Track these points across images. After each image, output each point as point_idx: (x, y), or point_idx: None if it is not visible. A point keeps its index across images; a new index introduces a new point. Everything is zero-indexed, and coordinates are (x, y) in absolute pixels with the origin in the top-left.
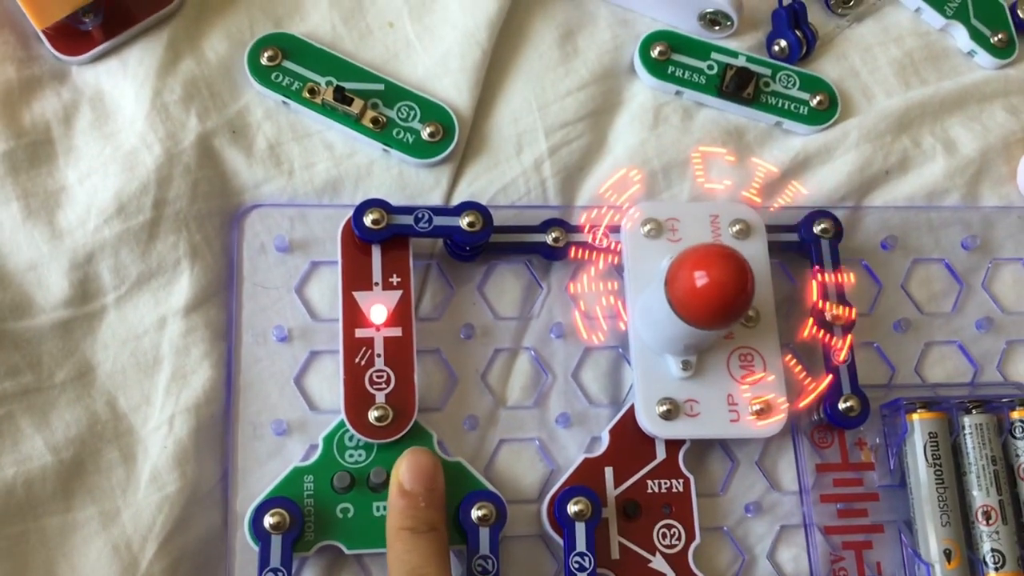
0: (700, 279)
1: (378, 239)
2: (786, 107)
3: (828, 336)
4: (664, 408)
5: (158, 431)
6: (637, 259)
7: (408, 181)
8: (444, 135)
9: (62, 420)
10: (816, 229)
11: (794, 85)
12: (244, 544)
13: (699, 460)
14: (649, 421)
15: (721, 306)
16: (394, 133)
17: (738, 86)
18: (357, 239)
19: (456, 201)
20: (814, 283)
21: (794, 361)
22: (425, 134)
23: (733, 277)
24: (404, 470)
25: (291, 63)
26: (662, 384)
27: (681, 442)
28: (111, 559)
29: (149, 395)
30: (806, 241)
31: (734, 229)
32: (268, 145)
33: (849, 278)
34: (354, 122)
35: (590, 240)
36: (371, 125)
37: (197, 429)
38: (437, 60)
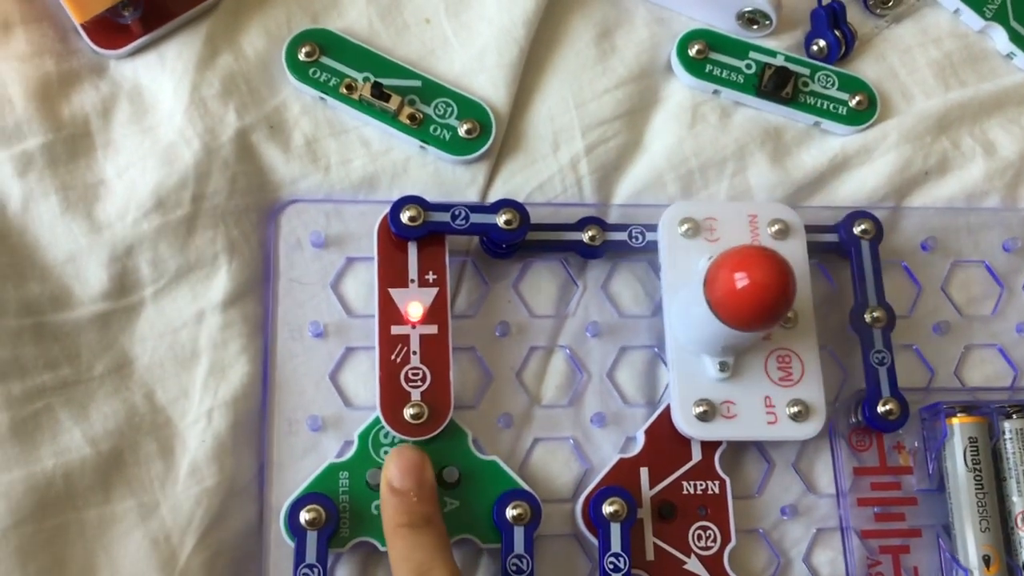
0: (740, 280)
1: (414, 236)
2: (825, 107)
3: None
4: (701, 409)
5: (196, 424)
6: (674, 259)
7: (444, 178)
8: (481, 132)
9: (100, 412)
10: (856, 230)
11: (833, 85)
12: (279, 539)
13: (735, 462)
14: (685, 422)
15: (762, 308)
16: (431, 130)
17: (776, 85)
18: (393, 236)
19: (492, 198)
20: (854, 284)
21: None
22: (462, 131)
23: (774, 279)
24: (392, 468)
25: (328, 59)
26: (699, 385)
27: (717, 443)
28: (150, 552)
29: (187, 388)
30: (845, 242)
31: (773, 229)
32: (305, 141)
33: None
34: (391, 118)
35: (627, 239)
36: (408, 121)
37: (235, 423)
38: (474, 57)
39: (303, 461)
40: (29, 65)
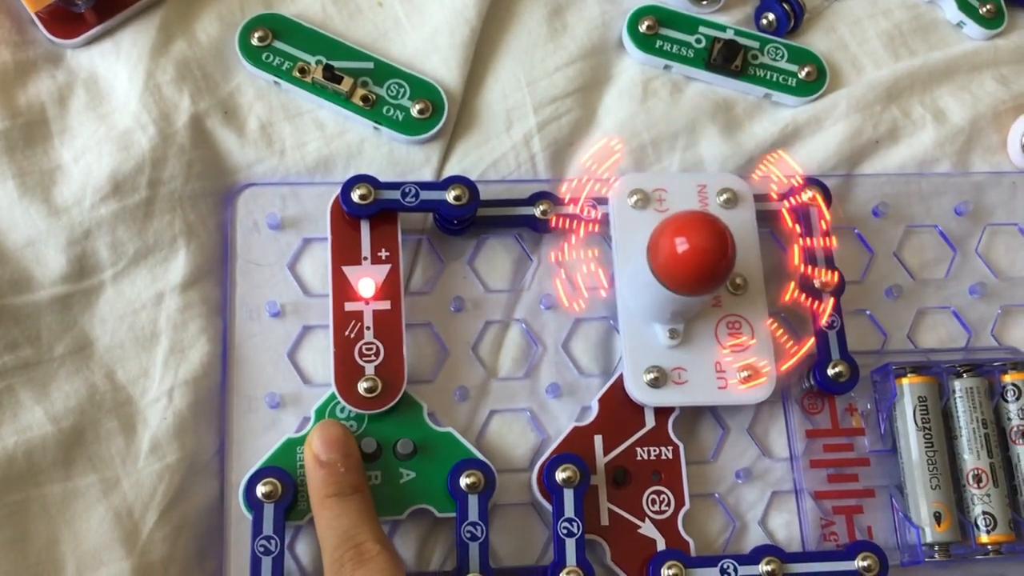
0: (680, 245)
1: (366, 214)
2: (774, 79)
3: (814, 301)
4: (652, 376)
5: (158, 403)
6: (624, 230)
7: (399, 158)
8: (434, 112)
9: (61, 392)
10: (805, 197)
11: (782, 57)
12: (240, 514)
13: (690, 428)
14: (637, 389)
15: (702, 272)
16: (384, 111)
17: (726, 59)
18: (346, 215)
19: (448, 176)
20: (796, 248)
21: (780, 328)
22: (415, 111)
23: (713, 243)
24: (317, 442)
25: (281, 43)
26: (650, 353)
27: (670, 410)
28: (112, 526)
29: (147, 368)
30: (794, 210)
31: (722, 199)
32: (260, 125)
33: (833, 241)
34: (344, 100)
35: (577, 211)
36: (361, 103)
37: (196, 402)
38: (426, 38)
39: (263, 438)
40: None
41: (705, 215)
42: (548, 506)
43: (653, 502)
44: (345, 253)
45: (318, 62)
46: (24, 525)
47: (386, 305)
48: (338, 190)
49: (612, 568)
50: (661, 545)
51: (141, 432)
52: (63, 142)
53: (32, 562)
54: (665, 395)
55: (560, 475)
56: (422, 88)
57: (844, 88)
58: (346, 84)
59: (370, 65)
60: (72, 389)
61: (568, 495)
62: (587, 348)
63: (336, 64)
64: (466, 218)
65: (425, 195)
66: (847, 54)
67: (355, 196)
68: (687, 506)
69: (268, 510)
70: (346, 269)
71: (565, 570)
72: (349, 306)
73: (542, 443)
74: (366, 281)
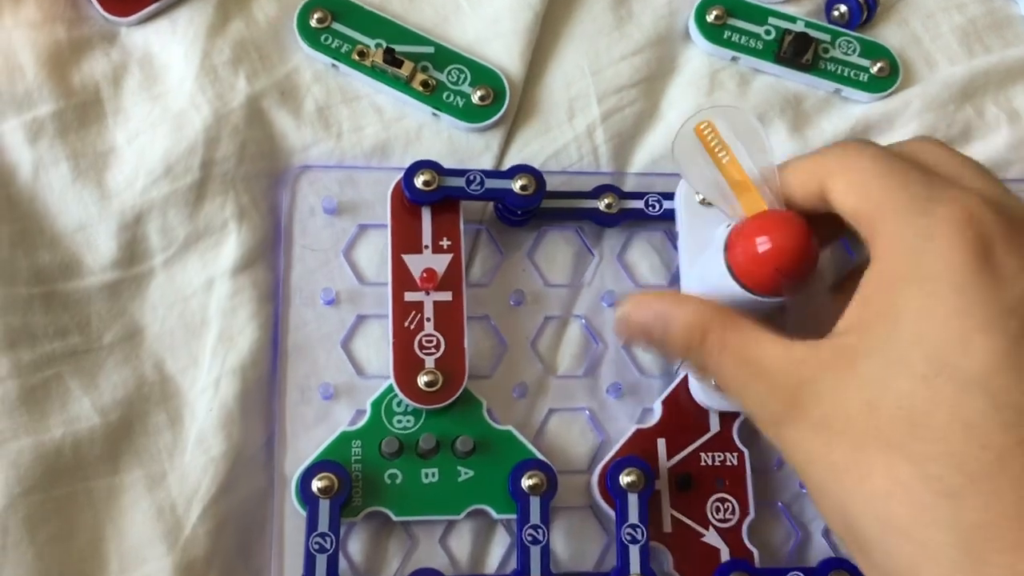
0: (762, 245)
1: (428, 201)
2: (846, 74)
3: None
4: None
5: (204, 393)
6: (692, 227)
7: (458, 146)
8: (495, 99)
9: (110, 382)
10: None
11: (854, 51)
12: (291, 509)
13: (754, 434)
14: (703, 392)
15: (784, 272)
16: (444, 97)
17: (796, 52)
18: (407, 201)
19: (507, 166)
20: None
21: None
22: (475, 98)
23: (796, 242)
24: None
25: (341, 25)
26: None
27: (736, 414)
28: (155, 521)
29: (197, 357)
30: None
31: None
32: (317, 108)
33: None
34: (404, 85)
35: (643, 207)
36: (421, 88)
37: (243, 392)
38: (488, 22)
39: (314, 430)
40: (40, 32)
41: (788, 214)
42: (609, 511)
43: (717, 510)
44: (405, 241)
45: (378, 45)
46: (69, 520)
47: (447, 296)
48: (398, 175)
49: None
50: (726, 555)
51: (188, 425)
52: (117, 123)
53: (76, 559)
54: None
55: (624, 479)
56: (483, 74)
57: (918, 85)
58: (406, 68)
59: (430, 50)
60: (120, 379)
61: (632, 500)
62: None
63: (396, 48)
64: (530, 209)
65: (491, 183)
66: (920, 49)
67: (418, 182)
68: (752, 515)
69: (323, 506)
70: (406, 257)
71: None
72: (409, 296)
73: (601, 444)
74: (428, 271)
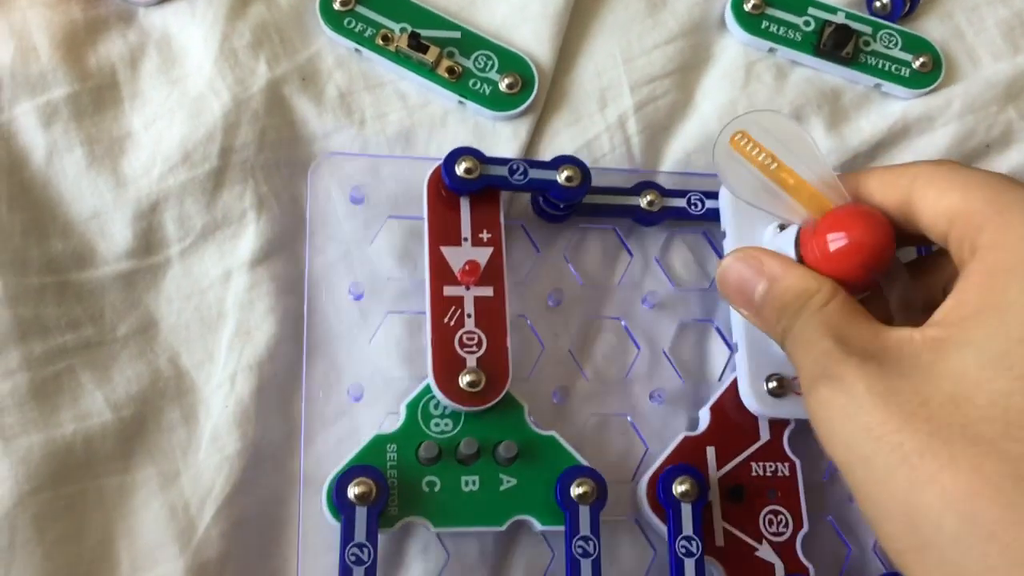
0: (836, 241)
1: (469, 190)
2: (887, 68)
3: None
4: (773, 384)
5: (220, 389)
6: (739, 227)
7: (484, 134)
8: (523, 87)
9: (123, 376)
10: None
11: (896, 45)
12: (315, 511)
13: (803, 444)
14: (756, 398)
15: (868, 266)
16: (470, 84)
17: (836, 44)
18: (444, 191)
19: (535, 156)
20: None
21: None
22: (503, 85)
23: (874, 237)
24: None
25: (364, 8)
26: (770, 359)
27: (786, 423)
28: (168, 521)
29: (212, 352)
30: None
31: None
32: (339, 94)
33: None
34: (429, 71)
35: (686, 206)
36: (446, 75)
37: (260, 388)
38: (516, 7)
39: (338, 430)
40: (55, 12)
41: (865, 208)
42: (658, 522)
43: (770, 523)
44: (443, 232)
45: (402, 29)
46: (80, 519)
47: (488, 291)
48: (427, 165)
49: None
50: (781, 571)
51: (203, 422)
52: (133, 108)
53: (86, 559)
54: (785, 406)
55: (678, 488)
56: (511, 61)
57: (960, 84)
58: (432, 54)
59: (457, 35)
60: (135, 374)
61: (686, 510)
62: (689, 351)
63: (422, 32)
64: (573, 202)
65: (534, 173)
66: (963, 44)
67: (460, 170)
68: (806, 528)
69: (360, 514)
70: (445, 250)
71: None
72: (448, 290)
73: (646, 453)
74: (468, 265)
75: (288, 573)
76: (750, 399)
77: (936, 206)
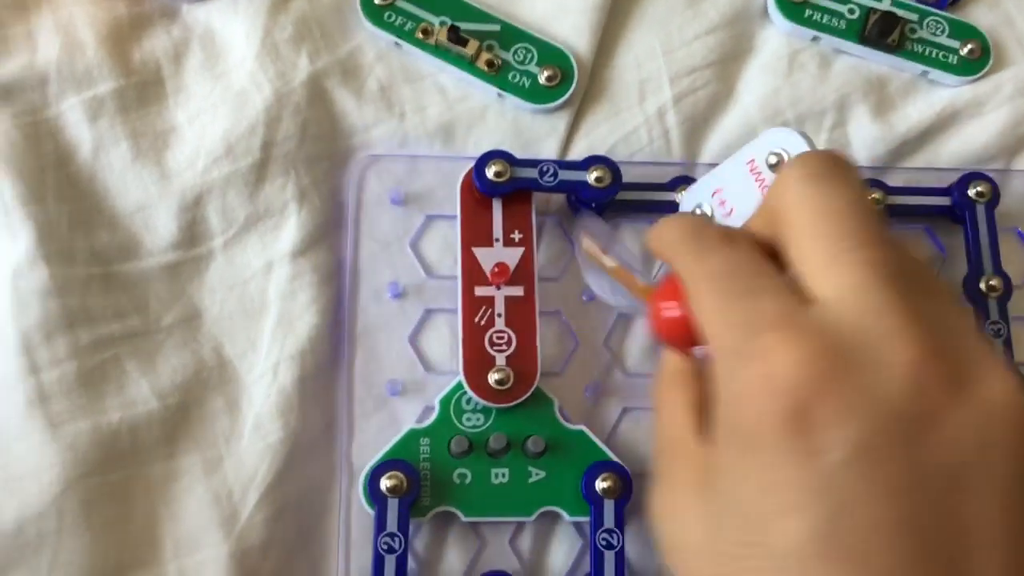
0: (670, 311)
1: (500, 192)
2: (934, 55)
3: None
4: None
5: (263, 379)
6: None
7: (523, 127)
8: (562, 80)
9: (168, 365)
10: (971, 192)
11: (943, 32)
12: (357, 502)
13: None
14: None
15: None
16: (510, 77)
17: (882, 32)
18: (477, 192)
19: (574, 149)
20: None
21: None
22: (542, 78)
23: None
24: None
25: (404, 3)
26: None
27: None
28: (212, 508)
29: (255, 341)
30: (959, 206)
31: (772, 162)
32: (379, 87)
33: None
34: (468, 64)
35: None
36: (486, 68)
37: (302, 378)
38: (556, 0)
39: (380, 422)
40: (101, 8)
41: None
42: None
43: None
44: (475, 233)
45: (442, 23)
46: (126, 505)
47: (519, 291)
48: (468, 165)
49: None
50: None
51: (246, 410)
52: (177, 102)
53: (131, 543)
54: None
55: None
56: (551, 54)
57: (1009, 69)
58: (471, 47)
59: (496, 28)
60: (180, 363)
61: None
62: None
63: (461, 26)
64: (604, 201)
65: (564, 175)
66: (1012, 31)
67: (490, 173)
68: None
69: (392, 505)
70: (476, 251)
71: None
72: (479, 290)
73: None
74: (499, 265)
75: (329, 559)
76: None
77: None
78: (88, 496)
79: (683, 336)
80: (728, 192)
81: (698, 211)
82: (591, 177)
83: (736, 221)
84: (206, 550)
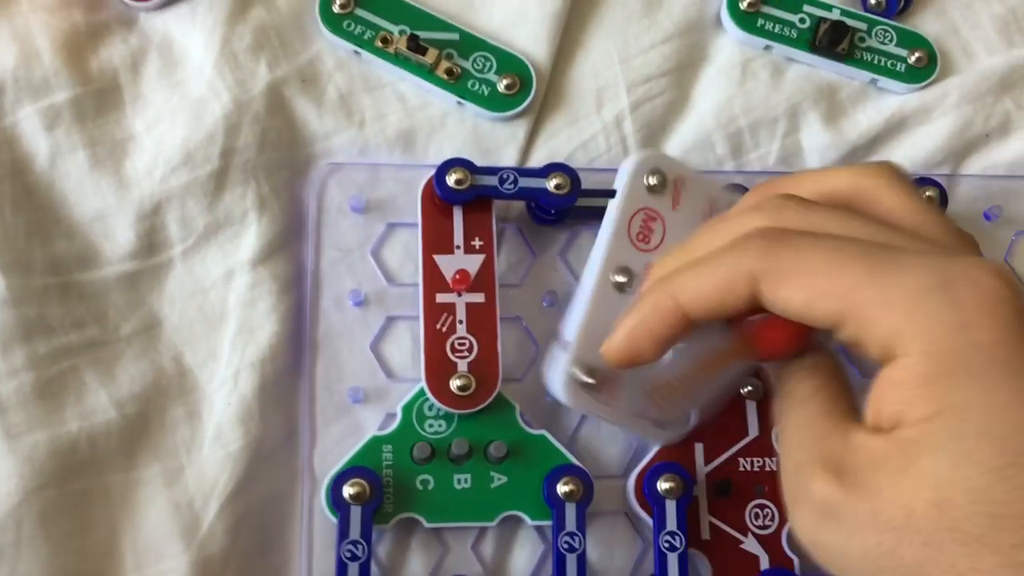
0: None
1: (460, 200)
2: (882, 64)
3: None
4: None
5: (223, 387)
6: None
7: (483, 135)
8: (521, 88)
9: (127, 374)
10: None
11: (891, 41)
12: (319, 510)
13: None
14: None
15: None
16: (469, 85)
17: (832, 41)
18: (438, 200)
19: (533, 157)
20: None
21: None
22: (501, 86)
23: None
24: None
25: (363, 11)
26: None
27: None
28: (172, 518)
29: (215, 350)
30: None
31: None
32: (339, 95)
33: None
34: (428, 73)
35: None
36: (445, 76)
37: (262, 386)
38: (514, 9)
39: (342, 429)
40: (57, 17)
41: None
42: (646, 517)
43: (756, 516)
44: (436, 241)
45: (401, 32)
46: (85, 515)
47: (480, 298)
48: (427, 173)
49: None
50: (765, 562)
51: (207, 419)
52: (135, 111)
53: (91, 555)
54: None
55: (662, 485)
56: (509, 62)
57: (956, 76)
58: (431, 56)
59: (455, 36)
60: (138, 372)
61: (670, 507)
62: None
63: (420, 34)
64: (564, 208)
65: (524, 182)
66: (958, 39)
67: (450, 181)
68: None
69: (355, 512)
70: (437, 258)
71: None
72: (441, 298)
73: (636, 449)
74: (459, 272)
75: (291, 568)
76: (558, 381)
77: (811, 311)
78: (47, 507)
79: (793, 334)
80: (686, 189)
81: (652, 179)
82: (551, 184)
83: (673, 217)
84: (167, 560)
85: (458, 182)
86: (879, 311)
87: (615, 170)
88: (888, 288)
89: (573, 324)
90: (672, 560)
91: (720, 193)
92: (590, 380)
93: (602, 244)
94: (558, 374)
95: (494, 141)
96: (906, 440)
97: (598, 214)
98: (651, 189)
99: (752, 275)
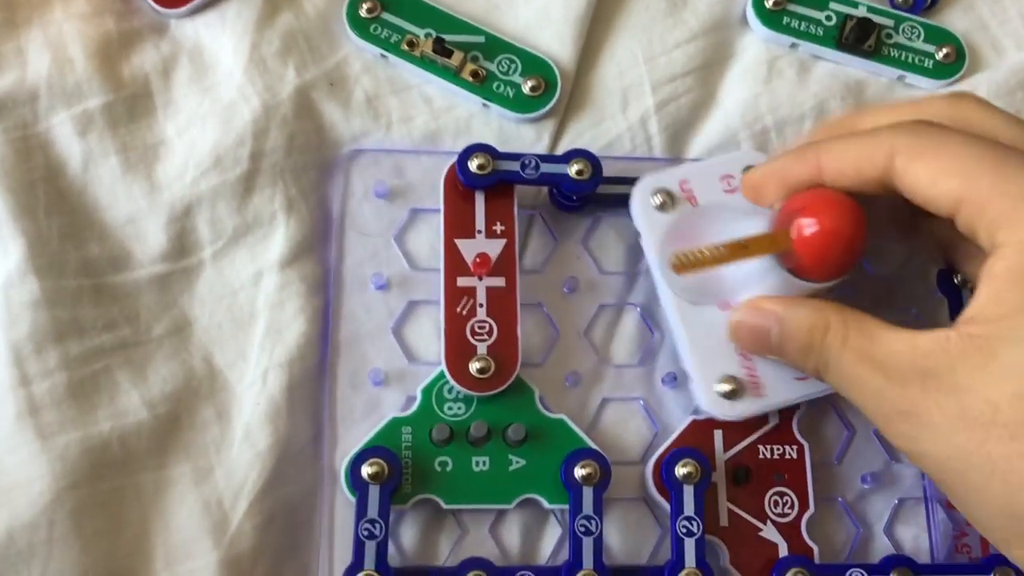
0: (808, 227)
1: (482, 185)
2: (910, 60)
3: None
4: (726, 387)
5: (252, 387)
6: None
7: (508, 136)
8: (546, 89)
9: (159, 375)
10: None
11: (918, 37)
12: (343, 500)
13: (814, 427)
14: (710, 403)
15: (838, 254)
16: (494, 87)
17: (858, 38)
18: (460, 185)
19: None
20: None
21: None
22: (526, 88)
23: (847, 225)
24: None
25: (390, 15)
26: (719, 360)
27: (796, 407)
28: (202, 516)
29: (245, 351)
30: None
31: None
32: (366, 98)
33: None
34: (453, 75)
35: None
36: (471, 78)
37: (290, 385)
38: (539, 11)
39: (365, 419)
40: (90, 24)
41: (836, 194)
42: (664, 503)
43: (776, 504)
44: (458, 225)
45: (427, 35)
46: (116, 514)
47: (500, 282)
48: (451, 160)
49: (730, 572)
50: (784, 550)
51: (236, 419)
52: (167, 116)
53: (122, 553)
54: (739, 407)
55: (680, 470)
56: (534, 64)
57: (984, 72)
58: (456, 58)
59: (481, 39)
60: (169, 373)
61: (688, 492)
62: None
63: (446, 37)
64: (585, 194)
65: (546, 168)
66: (987, 35)
67: (472, 166)
68: (811, 510)
69: (373, 492)
70: (459, 242)
71: (684, 572)
72: (462, 281)
73: (656, 435)
74: (481, 256)
75: (322, 561)
76: (705, 402)
77: (934, 188)
78: (78, 506)
79: (842, 245)
80: (696, 187)
81: (657, 198)
82: (572, 170)
83: (701, 213)
84: (197, 558)
85: (480, 167)
86: (994, 198)
87: (637, 159)
88: (1008, 181)
89: (685, 355)
90: (689, 545)
91: (721, 165)
92: (730, 387)
93: (661, 282)
94: (705, 401)
95: (519, 143)
96: (984, 336)
97: (620, 202)
98: (663, 207)
99: (893, 148)
